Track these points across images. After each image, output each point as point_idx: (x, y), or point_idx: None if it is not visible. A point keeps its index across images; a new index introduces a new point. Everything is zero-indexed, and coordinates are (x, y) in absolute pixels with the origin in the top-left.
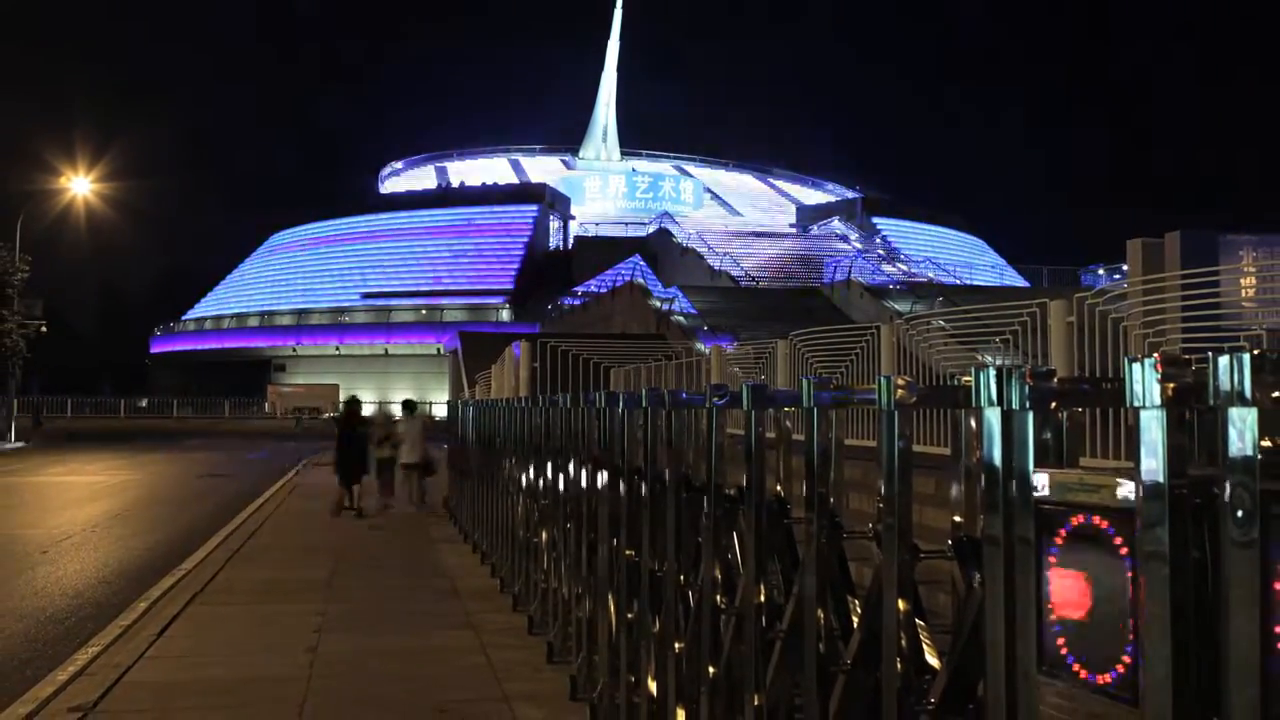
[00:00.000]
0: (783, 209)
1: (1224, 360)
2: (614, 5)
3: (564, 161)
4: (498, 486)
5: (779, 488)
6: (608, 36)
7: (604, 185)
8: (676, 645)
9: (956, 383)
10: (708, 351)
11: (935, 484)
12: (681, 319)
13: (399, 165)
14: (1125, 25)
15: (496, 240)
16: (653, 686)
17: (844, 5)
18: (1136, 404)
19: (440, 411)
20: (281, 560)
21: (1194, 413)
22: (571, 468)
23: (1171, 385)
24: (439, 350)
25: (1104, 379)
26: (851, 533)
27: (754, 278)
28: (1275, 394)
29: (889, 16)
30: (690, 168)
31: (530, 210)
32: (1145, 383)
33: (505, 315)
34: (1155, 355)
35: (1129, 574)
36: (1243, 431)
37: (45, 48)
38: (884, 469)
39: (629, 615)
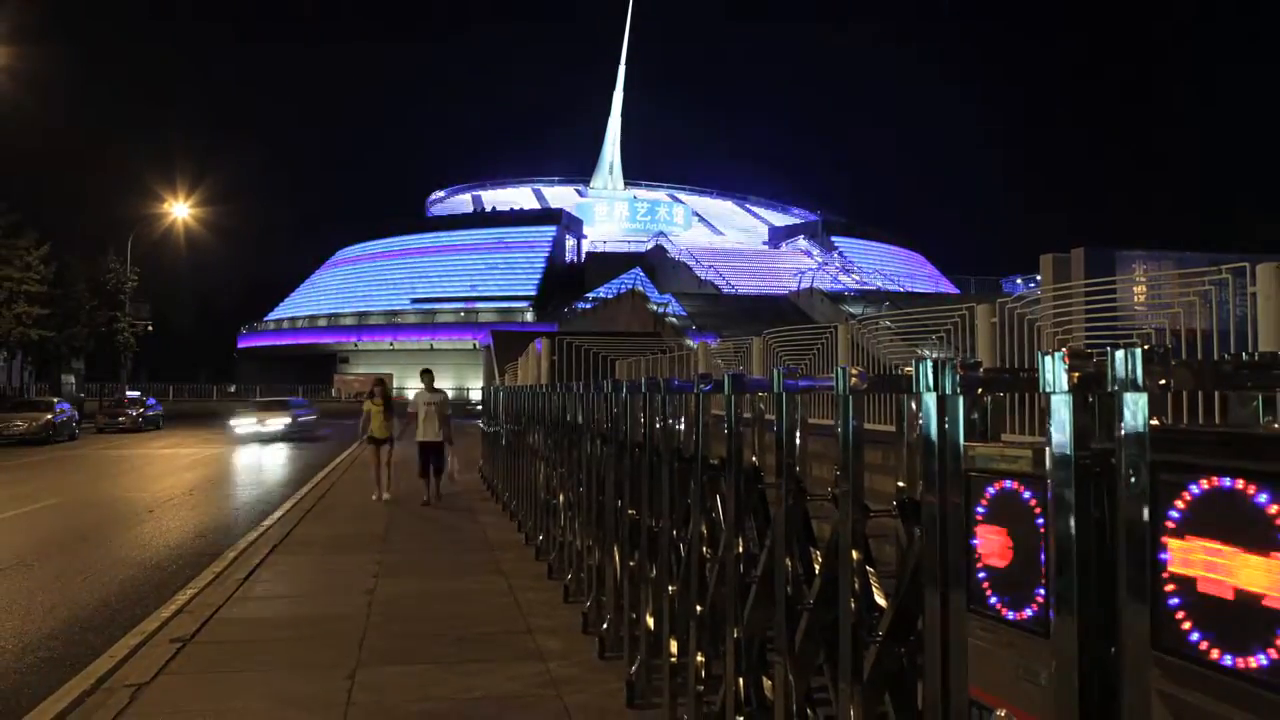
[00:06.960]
0: (757, 230)
1: (1120, 354)
2: (619, 63)
3: (578, 190)
4: (524, 457)
5: (754, 458)
6: (614, 88)
7: (610, 210)
8: (670, 588)
9: (900, 372)
10: (696, 347)
11: (883, 455)
12: (674, 320)
13: (441, 193)
14: (1059, 57)
15: (522, 255)
16: (650, 622)
17: (810, 62)
18: (1048, 390)
19: (476, 396)
20: (345, 519)
21: (1095, 397)
22: (584, 441)
23: (1077, 374)
24: (475, 345)
25: (1021, 369)
26: (814, 495)
27: (734, 286)
28: (1162, 381)
29: (842, 67)
30: (681, 195)
31: (550, 230)
32: (1055, 372)
33: (529, 317)
34: (1063, 350)
35: (1041, 530)
36: (1135, 412)
37: (151, 100)
38: (841, 443)
39: (631, 564)
